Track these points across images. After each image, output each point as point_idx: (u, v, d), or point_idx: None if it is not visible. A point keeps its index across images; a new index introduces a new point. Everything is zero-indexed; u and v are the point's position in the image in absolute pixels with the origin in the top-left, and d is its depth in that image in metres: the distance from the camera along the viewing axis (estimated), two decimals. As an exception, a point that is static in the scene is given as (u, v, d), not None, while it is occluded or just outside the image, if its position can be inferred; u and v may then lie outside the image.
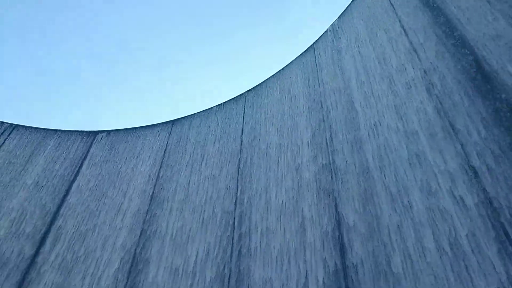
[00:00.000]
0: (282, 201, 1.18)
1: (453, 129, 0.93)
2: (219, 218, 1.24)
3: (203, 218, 1.27)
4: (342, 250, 0.95)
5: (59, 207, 1.38)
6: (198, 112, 1.62)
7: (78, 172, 1.48)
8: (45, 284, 1.17)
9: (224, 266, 1.11)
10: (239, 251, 1.12)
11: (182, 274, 1.13)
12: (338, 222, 1.02)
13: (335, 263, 0.94)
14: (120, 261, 1.21)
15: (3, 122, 1.59)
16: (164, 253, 1.20)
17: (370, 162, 1.07)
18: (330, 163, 1.17)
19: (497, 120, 0.85)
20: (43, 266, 1.21)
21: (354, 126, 1.19)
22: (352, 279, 0.89)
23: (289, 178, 1.24)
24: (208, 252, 1.16)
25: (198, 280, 1.11)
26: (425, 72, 1.11)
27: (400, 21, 1.30)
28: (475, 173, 0.84)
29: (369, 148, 1.10)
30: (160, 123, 1.61)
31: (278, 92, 1.56)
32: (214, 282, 1.09)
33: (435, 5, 1.20)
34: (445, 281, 0.77)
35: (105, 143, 1.57)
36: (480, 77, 0.94)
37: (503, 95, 0.87)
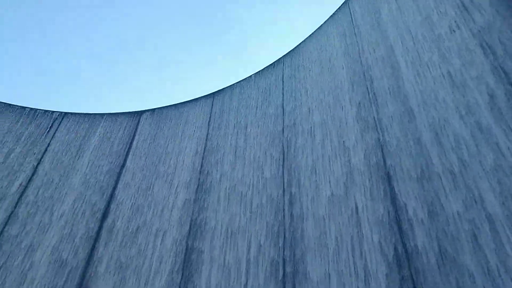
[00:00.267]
0: (332, 182, 1.18)
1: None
2: (268, 202, 1.25)
3: (252, 201, 1.28)
4: (401, 237, 0.90)
5: (114, 188, 1.44)
6: (237, 82, 1.63)
7: (128, 152, 1.52)
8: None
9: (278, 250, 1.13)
10: (293, 236, 1.13)
11: (237, 263, 1.16)
12: (395, 206, 0.96)
13: (395, 251, 0.90)
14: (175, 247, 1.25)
15: (52, 112, 1.65)
16: (215, 238, 1.23)
17: (424, 138, 1.00)
18: (380, 141, 1.10)
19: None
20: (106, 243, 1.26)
21: (402, 97, 1.13)
22: (415, 267, 0.85)
23: (337, 156, 1.23)
24: (260, 240, 1.18)
25: (252, 273, 1.13)
26: (479, 32, 1.02)
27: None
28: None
29: (423, 122, 1.03)
30: (201, 97, 1.63)
31: (315, 55, 1.55)
32: (269, 271, 1.11)
33: None
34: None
35: (151, 122, 1.61)
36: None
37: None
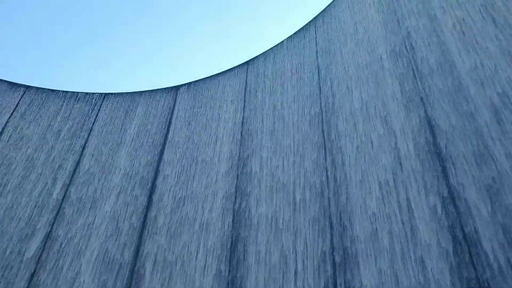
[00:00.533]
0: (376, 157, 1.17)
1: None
2: (310, 165, 1.26)
3: (294, 161, 1.30)
4: (460, 223, 0.84)
5: (158, 164, 1.48)
6: (270, 49, 1.63)
7: (168, 127, 1.56)
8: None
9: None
10: (342, 233, 1.13)
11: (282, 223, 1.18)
12: (451, 196, 0.89)
13: (453, 242, 0.84)
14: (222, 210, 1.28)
15: (93, 93, 1.71)
16: (261, 195, 1.25)
17: (480, 116, 0.91)
18: (427, 122, 1.02)
19: None
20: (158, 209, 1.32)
21: (452, 71, 1.03)
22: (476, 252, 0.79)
23: (378, 123, 1.22)
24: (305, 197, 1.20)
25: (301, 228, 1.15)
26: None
27: None
28: None
29: (477, 99, 0.94)
30: (235, 66, 1.64)
31: (348, 16, 1.52)
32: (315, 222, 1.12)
33: None
34: None
35: (188, 95, 1.64)
36: None
37: None
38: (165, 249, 1.20)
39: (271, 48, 1.64)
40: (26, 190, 1.40)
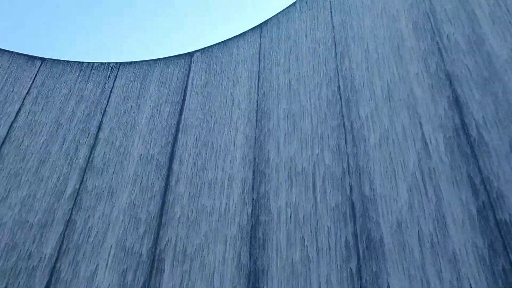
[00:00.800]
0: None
1: None
2: (328, 126, 1.27)
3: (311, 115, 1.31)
4: (494, 217, 0.77)
5: (176, 131, 1.51)
6: (282, 11, 1.62)
7: (185, 93, 1.58)
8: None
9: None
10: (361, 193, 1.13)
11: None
12: (483, 185, 0.83)
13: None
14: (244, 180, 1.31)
15: (108, 63, 1.73)
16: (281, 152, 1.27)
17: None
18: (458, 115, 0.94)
19: None
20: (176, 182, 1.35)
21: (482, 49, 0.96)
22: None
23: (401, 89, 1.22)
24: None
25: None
26: None
27: None
28: None
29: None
30: (249, 30, 1.64)
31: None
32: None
33: None
34: None
35: (203, 61, 1.65)
36: None
37: None
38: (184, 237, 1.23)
39: (283, 10, 1.63)
40: (52, 153, 1.44)
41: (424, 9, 1.19)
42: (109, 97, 1.62)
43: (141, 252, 1.17)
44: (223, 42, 1.66)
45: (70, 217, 1.27)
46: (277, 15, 1.62)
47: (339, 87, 1.27)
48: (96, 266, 1.16)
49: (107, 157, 1.44)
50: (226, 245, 1.12)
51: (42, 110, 1.58)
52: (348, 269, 0.93)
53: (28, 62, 1.77)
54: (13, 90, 1.63)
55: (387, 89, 1.13)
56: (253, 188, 1.21)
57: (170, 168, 1.37)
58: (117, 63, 1.72)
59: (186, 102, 1.56)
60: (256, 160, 1.28)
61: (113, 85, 1.67)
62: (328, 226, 1.02)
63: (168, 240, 1.19)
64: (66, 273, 1.16)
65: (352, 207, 1.01)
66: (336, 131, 1.18)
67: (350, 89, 1.24)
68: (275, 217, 1.12)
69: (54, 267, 1.17)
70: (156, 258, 1.15)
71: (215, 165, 1.33)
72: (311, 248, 1.01)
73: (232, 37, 1.65)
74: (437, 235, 0.84)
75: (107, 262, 1.17)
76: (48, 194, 1.34)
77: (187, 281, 1.09)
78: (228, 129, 1.42)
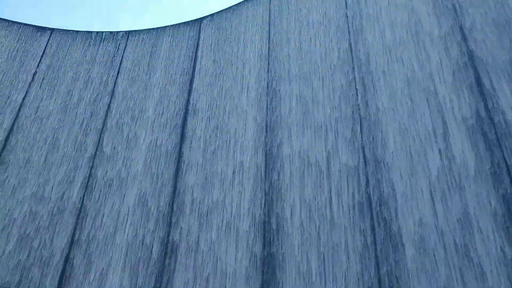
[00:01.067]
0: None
1: None
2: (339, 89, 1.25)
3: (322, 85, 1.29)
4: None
5: (187, 101, 1.50)
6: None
7: (195, 60, 1.57)
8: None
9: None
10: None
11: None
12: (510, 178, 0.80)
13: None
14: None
15: (117, 32, 1.71)
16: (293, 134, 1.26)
17: None
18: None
19: None
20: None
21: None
22: None
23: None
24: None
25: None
26: None
27: None
28: None
29: None
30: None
31: None
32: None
33: None
34: None
35: (212, 27, 1.62)
36: None
37: None
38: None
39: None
40: (67, 123, 1.46)
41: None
42: (119, 69, 1.61)
43: (152, 243, 1.16)
44: (231, 7, 1.62)
45: (81, 206, 1.26)
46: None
47: (353, 68, 1.24)
48: (110, 258, 1.14)
49: (122, 112, 1.45)
50: (238, 236, 1.09)
51: (56, 79, 1.59)
52: (364, 265, 0.92)
53: (38, 32, 1.76)
54: (25, 61, 1.64)
55: (406, 75, 1.08)
56: (265, 177, 1.17)
57: (184, 125, 1.38)
58: (126, 31, 1.70)
59: (196, 68, 1.55)
60: (268, 146, 1.28)
61: (123, 54, 1.66)
62: (343, 220, 1.00)
63: (180, 231, 1.16)
64: (79, 264, 1.14)
65: (369, 200, 0.98)
66: (351, 121, 1.13)
67: (366, 72, 1.20)
68: (289, 209, 1.09)
69: (67, 258, 1.16)
70: (169, 249, 1.13)
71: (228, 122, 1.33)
72: (325, 242, 0.99)
73: (240, 2, 1.61)
74: (462, 237, 0.82)
75: (120, 253, 1.15)
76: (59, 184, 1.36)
77: (200, 271, 1.07)
78: (240, 89, 1.41)
